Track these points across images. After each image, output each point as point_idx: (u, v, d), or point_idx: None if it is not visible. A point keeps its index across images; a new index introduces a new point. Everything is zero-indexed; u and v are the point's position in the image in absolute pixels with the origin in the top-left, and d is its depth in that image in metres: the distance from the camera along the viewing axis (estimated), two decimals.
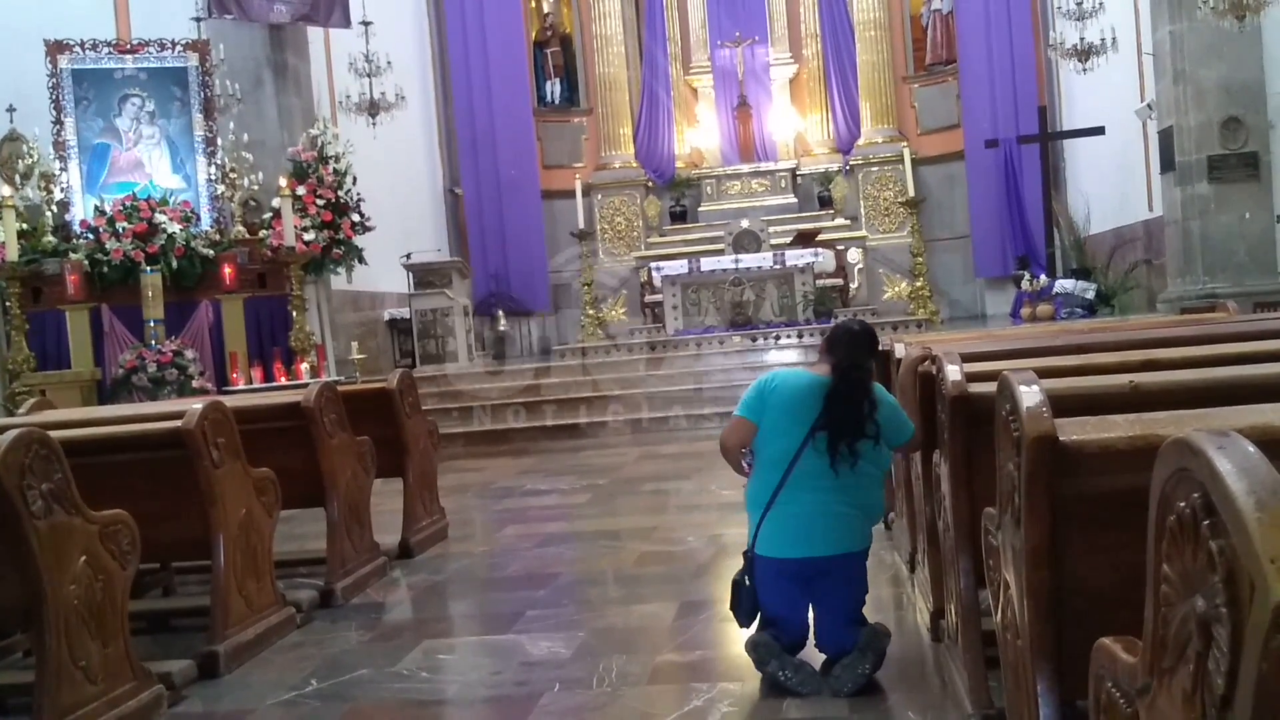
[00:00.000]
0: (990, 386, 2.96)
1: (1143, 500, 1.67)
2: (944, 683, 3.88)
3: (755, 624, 4.06)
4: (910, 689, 3.92)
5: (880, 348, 4.26)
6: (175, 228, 11.10)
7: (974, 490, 3.43)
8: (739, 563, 4.15)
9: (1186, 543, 1.48)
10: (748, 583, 4.02)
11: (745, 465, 4.14)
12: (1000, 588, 2.81)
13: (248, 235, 11.74)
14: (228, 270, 11.17)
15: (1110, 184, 14.81)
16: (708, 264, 15.50)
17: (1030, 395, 2.47)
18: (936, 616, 4.18)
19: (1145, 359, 3.69)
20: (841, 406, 3.92)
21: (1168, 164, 11.89)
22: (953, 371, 3.50)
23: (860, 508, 3.98)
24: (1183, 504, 1.49)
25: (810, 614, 4.01)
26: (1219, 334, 4.72)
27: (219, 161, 11.92)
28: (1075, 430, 2.39)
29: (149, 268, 10.81)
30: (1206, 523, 1.41)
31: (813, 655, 4.03)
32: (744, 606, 4.03)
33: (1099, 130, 14.31)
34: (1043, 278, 13.81)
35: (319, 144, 12.08)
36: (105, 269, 10.92)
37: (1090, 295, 13.22)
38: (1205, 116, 11.40)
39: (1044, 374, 2.76)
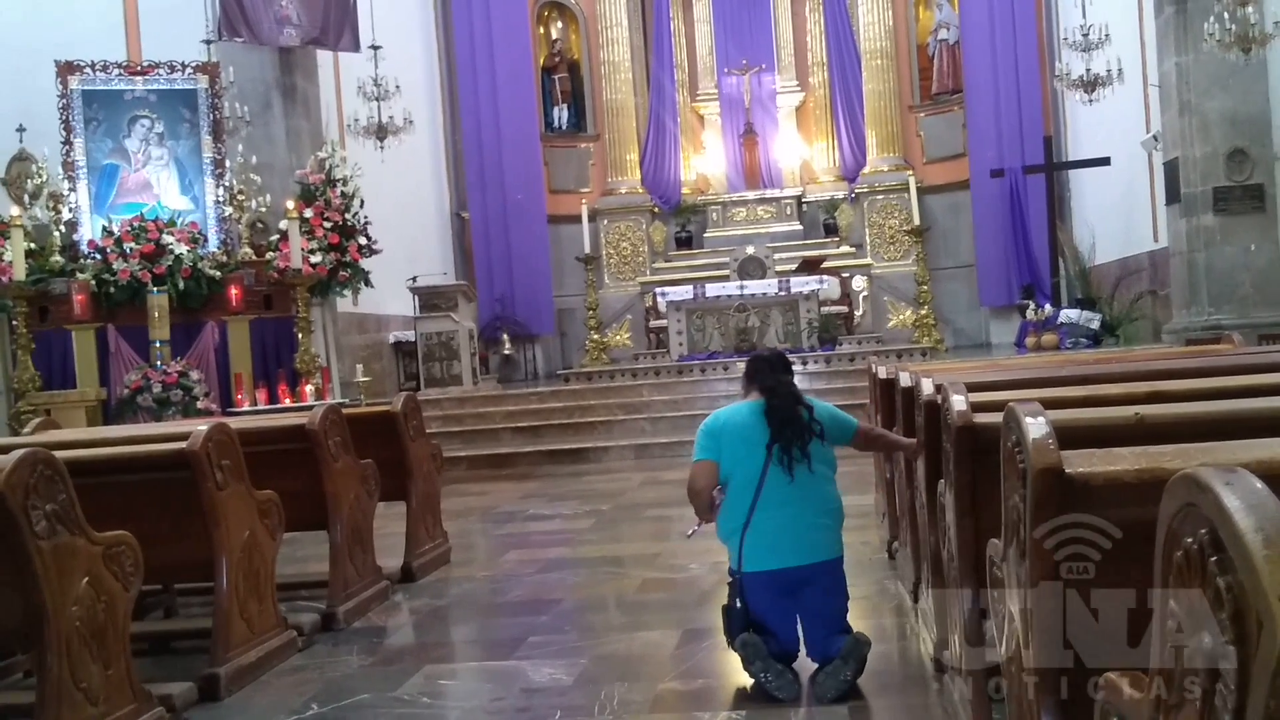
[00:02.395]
0: (996, 417, 2.95)
1: (1149, 534, 1.67)
2: (947, 714, 3.86)
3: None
4: None
5: (792, 372, 4.66)
6: (182, 249, 11.13)
7: (978, 521, 3.42)
8: None
9: (1193, 578, 1.47)
10: (738, 605, 4.26)
11: (716, 504, 4.38)
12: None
13: (254, 257, 11.77)
14: (234, 292, 11.19)
15: (1115, 215, 14.84)
16: (713, 290, 15.53)
17: (1036, 427, 2.46)
18: (940, 648, 4.17)
19: (1151, 391, 3.69)
20: (784, 418, 4.29)
21: (1173, 195, 11.91)
22: (958, 402, 3.50)
23: (829, 514, 4.32)
24: (1190, 539, 1.49)
25: (799, 626, 4.26)
26: (1224, 366, 4.72)
27: (227, 183, 11.96)
28: (1081, 462, 2.39)
29: (156, 288, 10.82)
30: (1214, 559, 1.41)
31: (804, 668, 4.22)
32: (736, 631, 4.26)
33: (1104, 161, 14.34)
34: (1047, 307, 13.83)
35: (327, 167, 12.12)
36: (112, 289, 10.95)
37: (1095, 325, 13.23)
38: (1211, 148, 11.43)
39: (1049, 405, 2.76)
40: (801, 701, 4.05)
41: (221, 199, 11.93)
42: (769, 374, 4.46)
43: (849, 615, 4.38)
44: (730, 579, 4.35)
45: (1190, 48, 11.34)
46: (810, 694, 4.10)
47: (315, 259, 11.53)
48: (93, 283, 10.89)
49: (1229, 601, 1.36)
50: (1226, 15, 10.29)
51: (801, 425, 4.29)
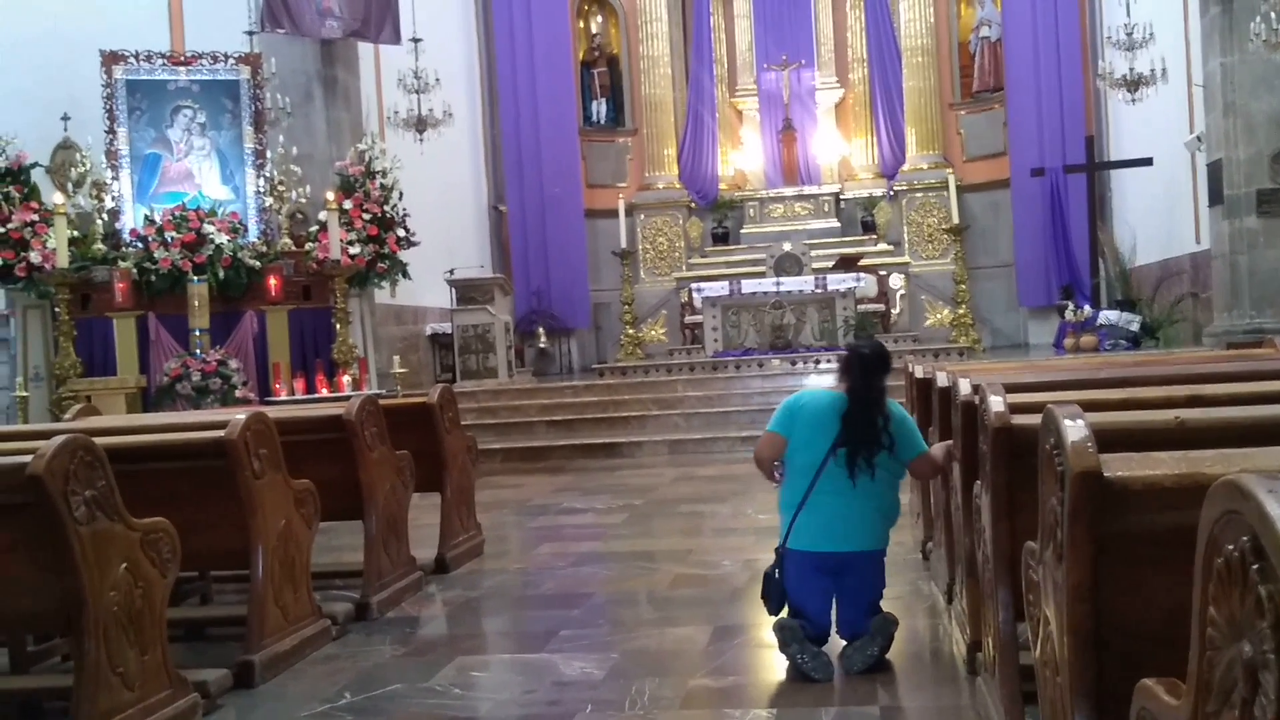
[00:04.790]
0: (1033, 418, 2.93)
1: (1188, 540, 1.65)
2: (979, 716, 3.84)
3: (785, 612, 4.48)
4: None
5: (893, 365, 4.76)
6: (223, 238, 11.22)
7: (1015, 523, 3.40)
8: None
9: (1234, 586, 1.46)
10: (777, 575, 4.50)
11: (776, 475, 4.66)
12: (1040, 623, 2.78)
13: (294, 247, 11.84)
14: (273, 282, 11.25)
15: (1157, 216, 14.69)
16: (749, 286, 15.49)
17: (1075, 430, 2.44)
18: (973, 649, 4.15)
19: (1191, 394, 3.65)
20: (857, 425, 4.42)
21: (1216, 197, 11.78)
22: (996, 403, 3.48)
23: (879, 510, 4.50)
24: (1231, 547, 1.47)
25: (833, 607, 4.47)
26: (1266, 370, 4.67)
27: (268, 174, 12.03)
28: (1120, 466, 2.37)
29: (196, 277, 10.92)
30: (1255, 567, 1.39)
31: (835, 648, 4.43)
32: (773, 596, 4.52)
33: (1146, 161, 14.20)
34: (1087, 308, 13.70)
35: (366, 159, 12.17)
36: (153, 278, 11.05)
37: (1135, 327, 13.11)
38: (1255, 149, 11.29)
39: (1088, 407, 2.74)
40: (833, 700, 4.05)
41: (262, 189, 12.00)
42: (858, 376, 4.50)
43: (883, 605, 4.53)
44: (777, 549, 4.55)
45: (1235, 48, 11.20)
46: (840, 673, 4.30)
47: (354, 250, 11.58)
48: (134, 271, 10.99)
49: (1270, 610, 1.34)
50: (1274, 15, 10.16)
51: (872, 438, 4.42)
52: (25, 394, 10.14)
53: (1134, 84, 13.23)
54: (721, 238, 19.59)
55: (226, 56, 11.94)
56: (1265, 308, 11.30)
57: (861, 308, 15.64)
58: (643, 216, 19.41)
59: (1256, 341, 9.39)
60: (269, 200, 12.02)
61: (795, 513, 4.45)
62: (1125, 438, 2.74)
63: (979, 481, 3.80)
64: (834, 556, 4.39)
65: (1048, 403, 2.74)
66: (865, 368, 4.50)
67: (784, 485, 4.58)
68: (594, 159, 19.70)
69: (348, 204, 11.68)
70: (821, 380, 13.00)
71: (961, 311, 15.81)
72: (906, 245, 18.77)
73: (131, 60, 11.65)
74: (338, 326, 11.11)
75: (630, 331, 16.82)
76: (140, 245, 11.22)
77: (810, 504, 4.41)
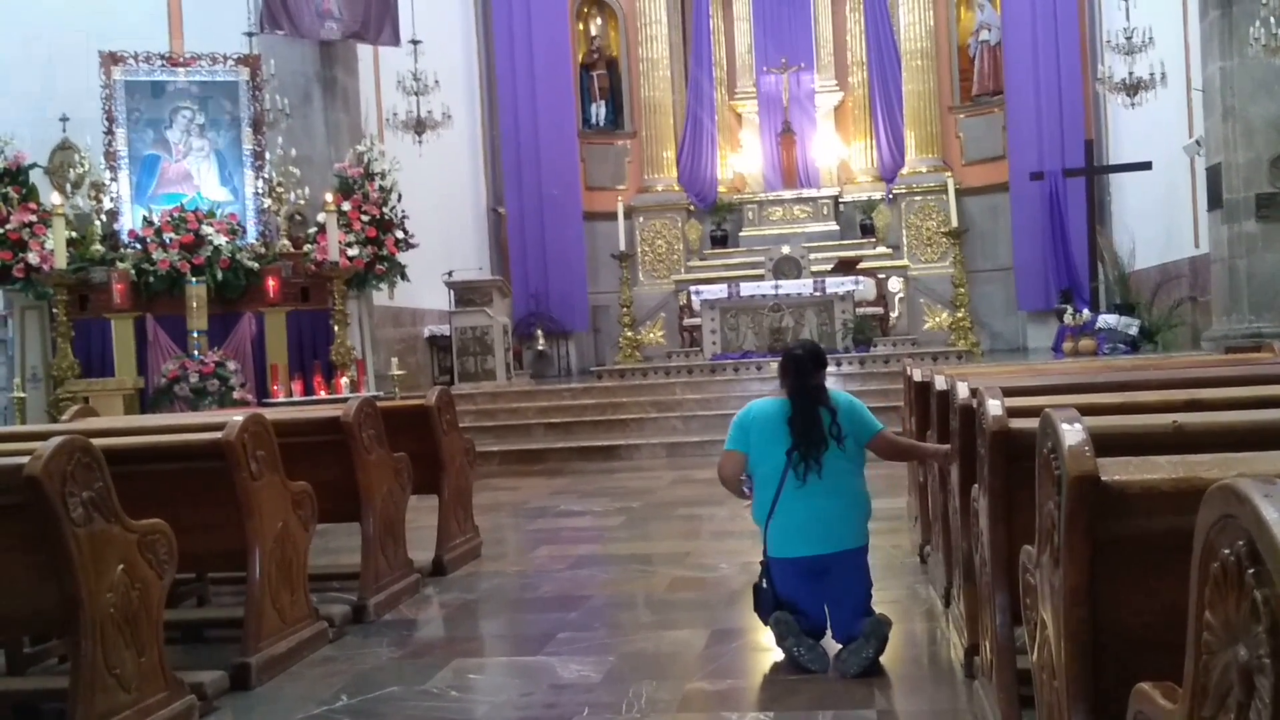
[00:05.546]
0: (1031, 422, 2.93)
1: (1185, 544, 1.65)
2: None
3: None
4: None
5: (827, 365, 4.81)
6: (221, 240, 11.21)
7: (1012, 526, 3.40)
8: None
9: (1230, 590, 1.46)
10: (765, 585, 4.58)
11: (745, 490, 4.71)
12: (1037, 626, 2.78)
13: (292, 249, 11.83)
14: (271, 283, 11.24)
15: (1156, 220, 14.69)
16: (747, 289, 15.49)
17: (1073, 434, 2.44)
18: (971, 653, 4.14)
19: (1189, 399, 3.66)
20: (803, 425, 4.48)
21: (1215, 201, 11.78)
22: (994, 406, 3.47)
23: (850, 505, 4.53)
24: (1227, 551, 1.47)
25: (826, 609, 4.49)
26: (1265, 375, 4.67)
27: (266, 175, 12.02)
28: (1118, 470, 2.37)
29: (194, 279, 10.91)
30: (1251, 571, 1.39)
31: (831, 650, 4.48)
32: (764, 607, 4.59)
33: (1146, 165, 14.20)
34: (1086, 312, 13.69)
35: (365, 160, 12.16)
36: (151, 279, 11.04)
37: (1133, 331, 13.09)
38: (1254, 154, 11.29)
39: (1086, 411, 2.74)
40: (830, 704, 4.05)
41: (260, 191, 12.00)
42: (795, 377, 4.59)
43: (875, 604, 4.58)
44: (762, 560, 4.63)
45: (1235, 52, 11.20)
46: (837, 677, 4.30)
47: (352, 252, 11.56)
48: (132, 272, 10.98)
49: (1266, 614, 1.34)
50: (1273, 20, 10.15)
51: (820, 435, 4.47)
52: (23, 395, 10.13)
53: (1133, 88, 13.23)
54: (720, 240, 19.59)
55: (225, 58, 11.93)
56: (1264, 312, 11.29)
57: (860, 311, 15.64)
58: (641, 219, 19.41)
59: (1255, 346, 9.40)
60: (267, 202, 12.01)
61: (767, 522, 4.54)
62: (1123, 442, 2.74)
63: (977, 485, 3.79)
64: (816, 560, 4.45)
65: (1045, 406, 2.74)
66: (799, 369, 4.59)
67: (754, 497, 4.64)
68: (593, 161, 19.70)
69: (346, 206, 11.66)
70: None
71: (960, 315, 15.80)
72: (905, 248, 18.78)
73: (130, 61, 11.65)
74: (336, 328, 11.09)
75: (629, 334, 16.80)
76: (138, 246, 11.21)
77: (780, 510, 4.49)
